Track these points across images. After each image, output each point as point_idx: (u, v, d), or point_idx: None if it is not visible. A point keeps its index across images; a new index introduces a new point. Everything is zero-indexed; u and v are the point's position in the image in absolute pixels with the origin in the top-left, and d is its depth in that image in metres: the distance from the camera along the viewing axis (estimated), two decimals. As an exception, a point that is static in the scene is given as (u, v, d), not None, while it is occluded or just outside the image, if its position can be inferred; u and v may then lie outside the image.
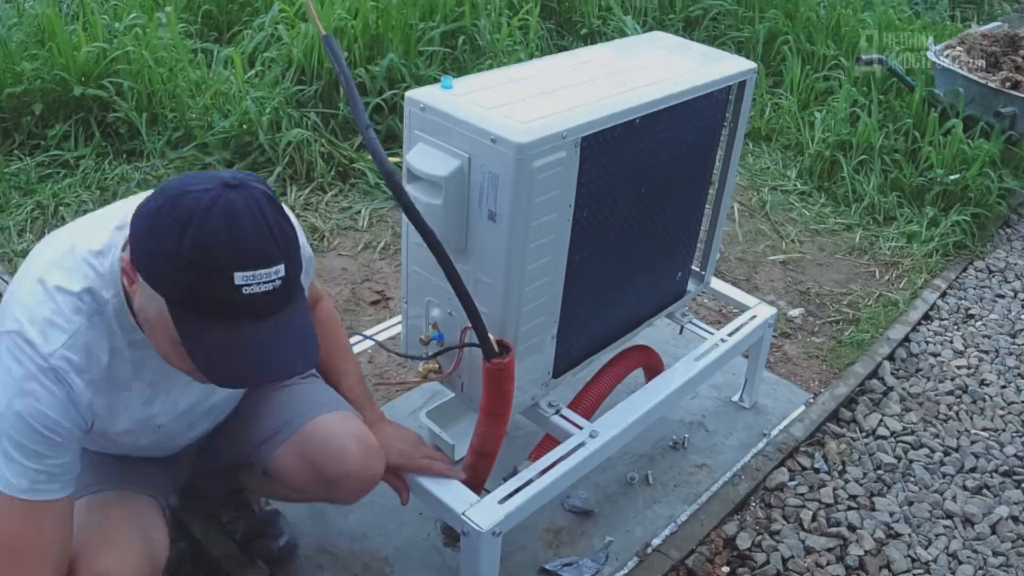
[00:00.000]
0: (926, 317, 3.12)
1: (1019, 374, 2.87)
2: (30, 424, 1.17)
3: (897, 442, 2.49)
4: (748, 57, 3.18)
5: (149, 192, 1.18)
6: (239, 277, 1.08)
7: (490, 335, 1.55)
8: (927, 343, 2.97)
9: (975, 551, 2.15)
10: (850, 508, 2.23)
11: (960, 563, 2.11)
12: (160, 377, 1.33)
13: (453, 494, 1.64)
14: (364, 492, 1.60)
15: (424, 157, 1.57)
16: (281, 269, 1.11)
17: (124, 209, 1.27)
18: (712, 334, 2.21)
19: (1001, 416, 2.66)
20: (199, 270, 1.08)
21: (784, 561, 2.05)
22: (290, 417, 1.57)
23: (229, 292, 1.08)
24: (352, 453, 1.54)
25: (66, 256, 1.25)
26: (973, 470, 2.42)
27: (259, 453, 1.58)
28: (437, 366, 1.75)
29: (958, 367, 2.86)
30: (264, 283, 1.10)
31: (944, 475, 2.39)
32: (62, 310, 1.21)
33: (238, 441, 1.62)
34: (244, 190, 1.10)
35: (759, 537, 2.10)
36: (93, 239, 1.26)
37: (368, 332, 2.07)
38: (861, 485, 2.31)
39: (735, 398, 2.49)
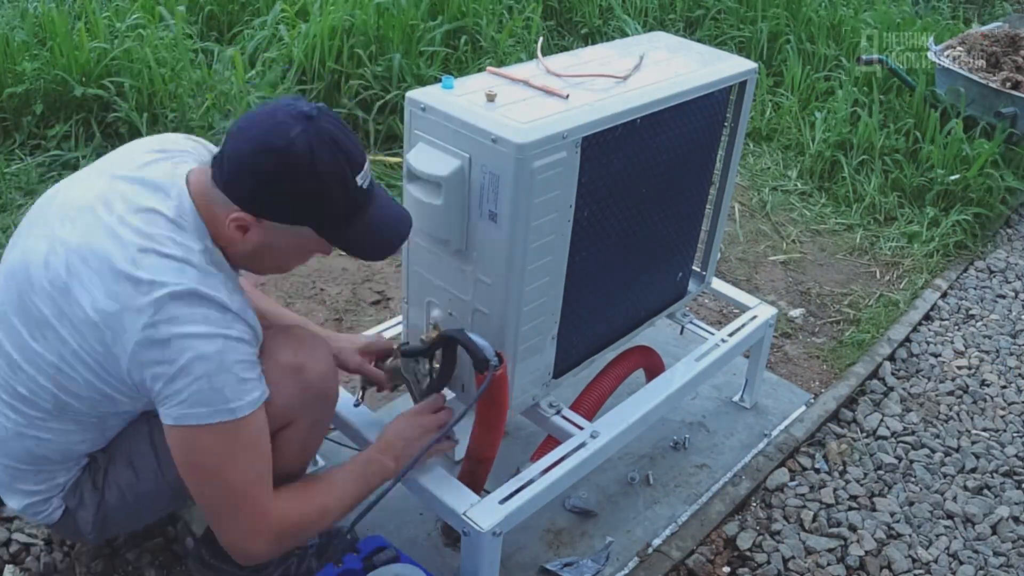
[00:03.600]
0: (927, 317, 3.12)
1: (1020, 374, 2.87)
2: (246, 341, 1.33)
3: (898, 442, 2.49)
4: (749, 57, 3.18)
5: (157, 136, 1.43)
6: (359, 180, 1.34)
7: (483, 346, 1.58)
8: (928, 343, 2.97)
9: (976, 551, 2.15)
10: (851, 508, 2.23)
11: (961, 563, 2.11)
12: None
13: (454, 494, 1.64)
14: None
15: (425, 157, 1.57)
16: (368, 163, 1.38)
17: (148, 156, 1.41)
18: (713, 334, 2.21)
19: (1002, 416, 2.66)
20: (335, 193, 1.32)
21: (785, 561, 2.05)
22: None
23: (357, 192, 1.35)
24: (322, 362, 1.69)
25: (146, 240, 1.31)
26: (974, 470, 2.42)
27: None
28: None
29: (959, 367, 2.86)
30: (367, 174, 1.37)
31: (945, 475, 2.39)
32: (196, 271, 1.31)
33: None
34: (321, 115, 1.31)
35: (760, 537, 2.10)
36: (153, 200, 1.34)
37: (368, 332, 2.07)
38: (862, 485, 2.31)
39: (736, 398, 2.49)
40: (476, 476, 1.76)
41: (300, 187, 1.29)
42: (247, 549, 1.40)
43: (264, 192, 1.30)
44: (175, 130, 3.33)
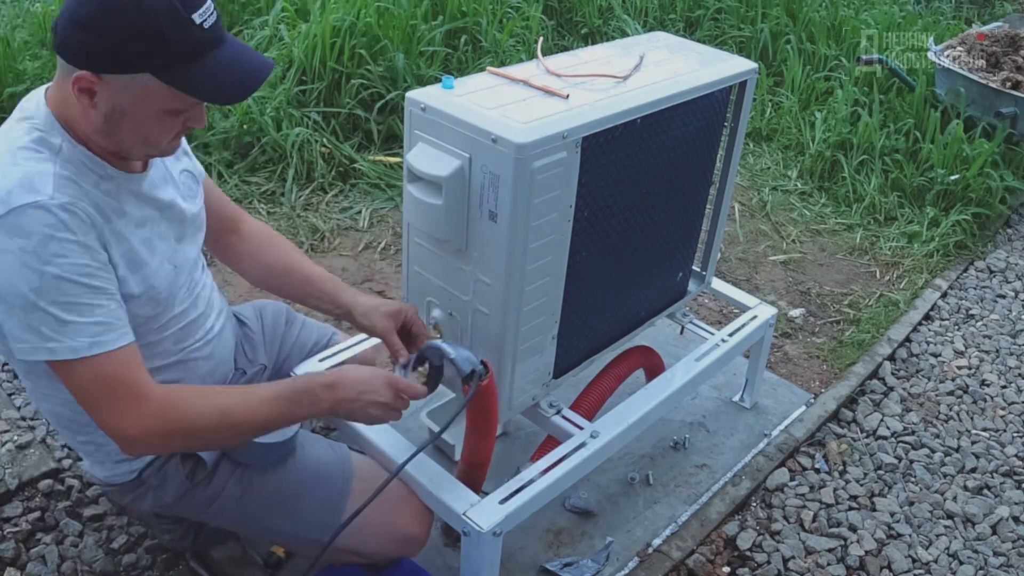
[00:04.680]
0: (927, 317, 3.12)
1: (1020, 374, 2.87)
2: (69, 279, 1.24)
3: (898, 442, 2.49)
4: (749, 57, 3.18)
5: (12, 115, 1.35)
6: (196, 17, 1.24)
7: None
8: (928, 343, 2.97)
9: (976, 551, 2.15)
10: (851, 508, 2.23)
11: (961, 563, 2.11)
12: (142, 204, 1.41)
13: (454, 494, 1.64)
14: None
15: (425, 157, 1.57)
16: (211, 2, 1.28)
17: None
18: (713, 334, 2.21)
19: (1002, 416, 2.66)
20: (166, 30, 1.22)
21: (785, 561, 2.05)
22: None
23: (195, 31, 1.25)
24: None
25: None
26: (974, 470, 2.42)
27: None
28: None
29: (959, 367, 2.86)
30: (210, 14, 1.27)
31: (945, 475, 2.39)
32: (30, 166, 1.26)
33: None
34: None
35: (760, 537, 2.10)
36: (8, 127, 1.33)
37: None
38: (862, 485, 2.31)
39: (736, 398, 2.49)
40: (473, 479, 1.76)
41: (128, 27, 1.21)
42: (126, 432, 1.29)
43: (93, 40, 1.22)
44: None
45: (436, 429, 1.93)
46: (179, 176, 1.54)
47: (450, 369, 1.61)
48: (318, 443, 1.68)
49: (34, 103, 1.34)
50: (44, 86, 1.38)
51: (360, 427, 1.76)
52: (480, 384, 1.56)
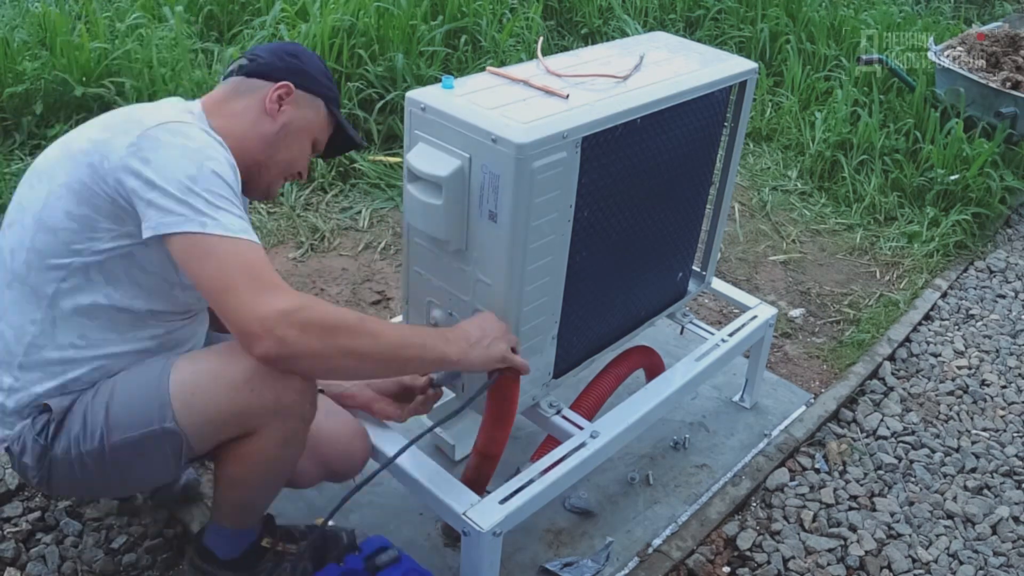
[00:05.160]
0: (927, 317, 3.12)
1: (1020, 374, 2.87)
2: (223, 179, 1.37)
3: (898, 442, 2.49)
4: (749, 57, 3.18)
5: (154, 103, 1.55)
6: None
7: None
8: (928, 343, 2.97)
9: (976, 551, 2.15)
10: (851, 508, 2.23)
11: (961, 563, 2.11)
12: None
13: (454, 494, 1.64)
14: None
15: (425, 157, 1.57)
16: None
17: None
18: (713, 334, 2.21)
19: (1002, 416, 2.66)
20: (329, 83, 1.66)
21: (785, 561, 2.05)
22: None
23: (336, 89, 1.69)
24: (359, 451, 1.72)
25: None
26: (974, 470, 2.42)
27: None
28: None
29: (959, 367, 2.86)
30: None
31: (945, 475, 2.39)
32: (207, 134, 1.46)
33: None
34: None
35: (760, 537, 2.10)
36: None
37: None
38: (862, 485, 2.31)
39: (736, 398, 2.49)
40: (481, 473, 1.76)
41: (322, 68, 1.64)
42: (264, 315, 1.26)
43: (301, 66, 1.59)
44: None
45: (437, 430, 1.94)
46: None
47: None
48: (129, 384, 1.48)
49: (194, 105, 1.55)
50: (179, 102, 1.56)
51: (365, 426, 1.76)
52: (502, 371, 1.57)
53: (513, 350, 1.58)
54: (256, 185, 1.59)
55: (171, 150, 1.35)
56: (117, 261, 1.41)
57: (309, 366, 1.36)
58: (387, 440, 1.72)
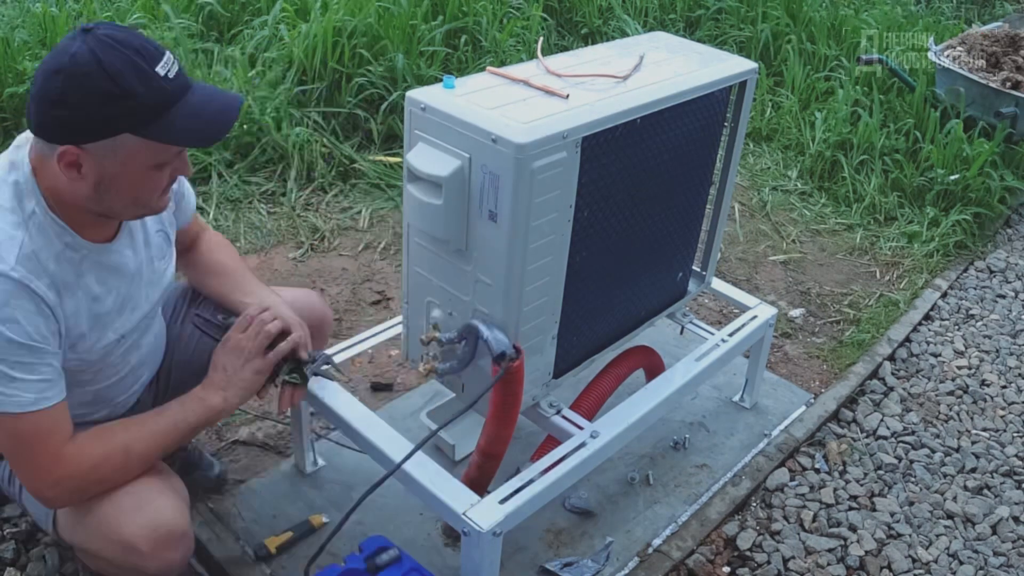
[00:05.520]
0: (927, 317, 3.12)
1: (1020, 374, 2.87)
2: (19, 342, 1.29)
3: (898, 442, 2.49)
4: (749, 57, 3.18)
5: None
6: (159, 69, 1.29)
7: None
8: (928, 343, 2.97)
9: (976, 551, 2.15)
10: (851, 508, 2.23)
11: (961, 563, 2.11)
12: (104, 275, 1.45)
13: (454, 494, 1.64)
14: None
15: (425, 157, 1.57)
16: (170, 54, 1.34)
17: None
18: (713, 334, 2.21)
19: (1002, 416, 2.66)
20: (134, 88, 1.26)
21: (785, 561, 2.05)
22: None
23: (161, 82, 1.29)
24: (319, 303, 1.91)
25: None
26: (974, 470, 2.42)
27: None
28: (434, 366, 1.75)
29: (959, 367, 2.86)
30: (172, 63, 1.32)
31: (945, 475, 2.39)
32: (4, 228, 1.31)
33: None
34: (99, 26, 1.29)
35: (760, 537, 2.10)
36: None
37: (368, 332, 2.07)
38: (862, 485, 2.31)
39: (736, 398, 2.49)
40: (484, 472, 1.76)
41: (98, 93, 1.25)
42: (45, 496, 1.40)
43: (69, 114, 1.26)
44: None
45: (436, 429, 1.94)
46: (154, 236, 1.58)
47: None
48: None
49: (24, 152, 1.37)
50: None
51: (360, 427, 1.77)
52: (511, 365, 1.57)
53: (274, 346, 1.60)
54: (126, 217, 1.46)
55: None
56: None
57: (100, 492, 1.43)
58: (393, 445, 1.72)
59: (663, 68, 1.85)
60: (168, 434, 1.48)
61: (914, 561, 2.10)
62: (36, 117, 1.29)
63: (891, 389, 2.71)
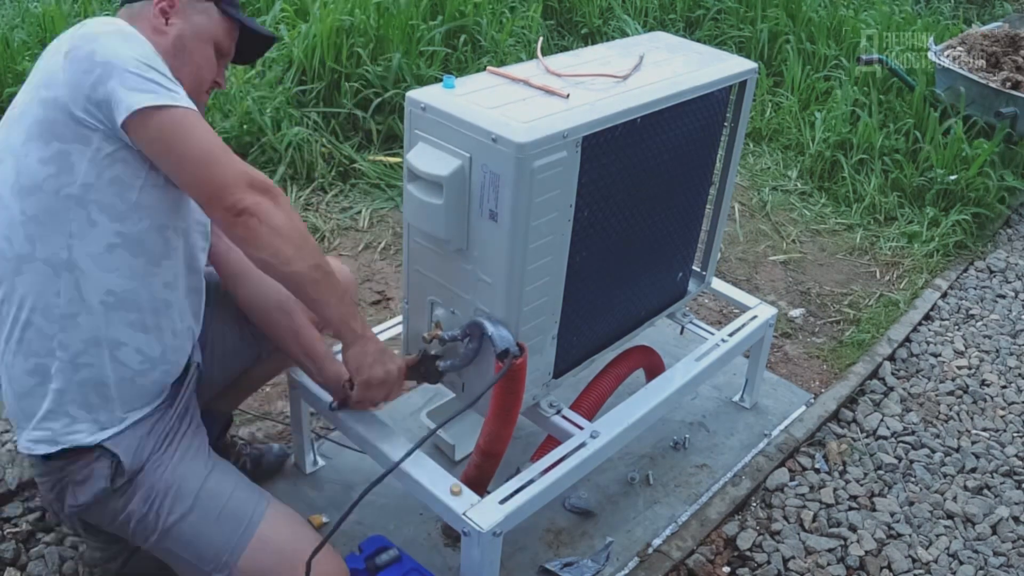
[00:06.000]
0: (927, 317, 3.12)
1: (1020, 374, 2.87)
2: (164, 71, 1.38)
3: (898, 442, 2.49)
4: (749, 57, 3.18)
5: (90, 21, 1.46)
6: None
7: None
8: (928, 343, 2.97)
9: (976, 551, 2.15)
10: (851, 508, 2.23)
11: (961, 563, 2.11)
12: None
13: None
14: None
15: (425, 157, 1.57)
16: None
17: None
18: (713, 334, 2.21)
19: (1002, 416, 2.66)
20: None
21: (785, 561, 2.05)
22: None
23: None
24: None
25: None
26: (974, 470, 2.42)
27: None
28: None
29: (959, 367, 2.86)
30: None
31: (945, 475, 2.39)
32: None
33: None
34: None
35: (760, 537, 2.10)
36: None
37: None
38: (862, 485, 2.31)
39: (736, 398, 2.49)
40: (483, 472, 1.76)
41: None
42: (238, 196, 1.37)
43: None
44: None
45: (435, 428, 1.94)
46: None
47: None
48: (238, 481, 1.58)
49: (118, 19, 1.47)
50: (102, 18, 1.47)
51: (359, 427, 1.76)
52: (514, 362, 1.57)
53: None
54: (188, 91, 1.53)
55: (110, 39, 1.36)
56: (107, 189, 1.38)
57: (266, 233, 1.41)
58: (391, 444, 1.72)
59: (663, 68, 1.85)
60: (330, 274, 1.49)
61: (914, 561, 2.10)
62: None
63: (891, 389, 2.71)
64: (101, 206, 1.38)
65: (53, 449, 1.46)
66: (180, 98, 1.36)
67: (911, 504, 2.27)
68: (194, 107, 1.38)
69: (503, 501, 1.62)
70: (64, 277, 1.39)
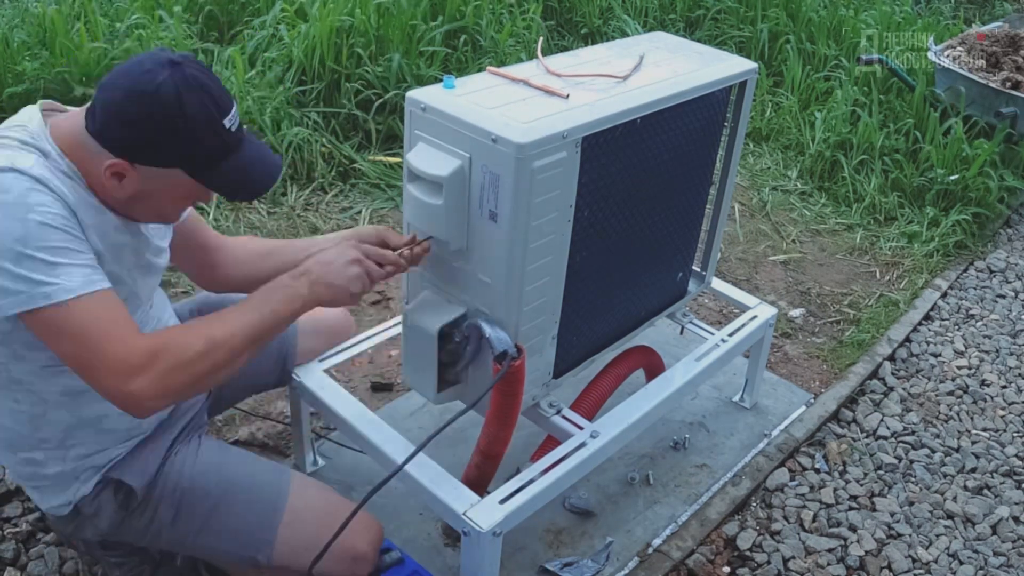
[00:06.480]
0: (927, 317, 3.12)
1: (1020, 374, 2.87)
2: (53, 226, 1.25)
3: (898, 442, 2.49)
4: (749, 57, 3.18)
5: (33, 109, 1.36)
6: (226, 122, 1.35)
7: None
8: (928, 343, 2.97)
9: (976, 551, 2.15)
10: (851, 508, 2.23)
11: (961, 563, 2.11)
12: (120, 232, 1.41)
13: (454, 494, 1.64)
14: None
15: (425, 157, 1.57)
16: (235, 105, 1.39)
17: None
18: (713, 334, 2.21)
19: (1002, 416, 2.66)
20: (203, 134, 1.32)
21: (785, 561, 2.05)
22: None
23: (225, 135, 1.35)
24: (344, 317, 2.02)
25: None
26: (974, 470, 2.42)
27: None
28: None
29: (959, 367, 2.86)
30: (235, 117, 1.37)
31: (945, 475, 2.39)
32: (12, 152, 1.28)
33: None
34: (187, 62, 1.32)
35: (760, 537, 2.10)
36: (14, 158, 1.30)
37: (368, 333, 2.07)
38: (862, 485, 2.31)
39: (736, 398, 2.49)
40: (483, 473, 1.76)
41: (170, 130, 1.29)
42: (129, 391, 1.26)
43: (135, 137, 1.30)
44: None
45: (437, 431, 1.94)
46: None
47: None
48: (255, 462, 1.63)
49: (33, 129, 1.32)
50: (36, 108, 1.37)
51: (359, 425, 1.76)
52: (512, 364, 1.57)
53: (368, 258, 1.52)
54: (140, 220, 1.45)
55: None
56: (23, 334, 1.31)
57: (188, 396, 1.39)
58: (393, 445, 1.72)
59: (663, 68, 1.85)
60: (254, 325, 1.39)
61: (914, 561, 2.10)
62: (102, 126, 1.30)
63: (891, 389, 2.71)
64: (24, 344, 1.34)
65: (69, 509, 1.51)
66: (57, 288, 1.23)
67: (911, 504, 2.27)
68: (74, 288, 1.25)
69: (503, 501, 1.62)
70: (14, 388, 1.40)
